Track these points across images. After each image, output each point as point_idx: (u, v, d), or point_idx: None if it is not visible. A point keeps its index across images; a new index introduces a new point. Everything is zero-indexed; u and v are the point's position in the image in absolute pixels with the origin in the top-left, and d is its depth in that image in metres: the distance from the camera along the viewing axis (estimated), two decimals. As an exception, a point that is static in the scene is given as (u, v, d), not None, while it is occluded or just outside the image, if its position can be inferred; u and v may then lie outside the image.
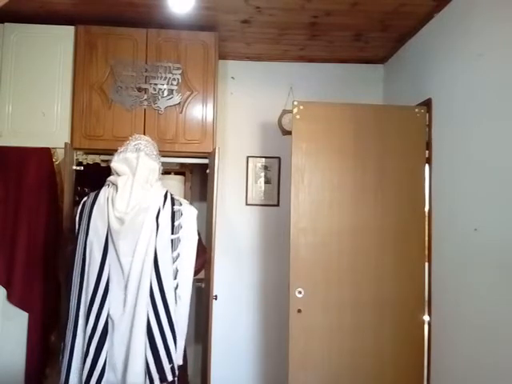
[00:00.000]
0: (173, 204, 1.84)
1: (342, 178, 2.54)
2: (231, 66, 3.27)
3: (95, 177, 2.28)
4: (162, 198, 1.83)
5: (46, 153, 2.49)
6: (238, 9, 2.50)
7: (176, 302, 1.78)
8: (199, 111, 2.65)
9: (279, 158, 3.23)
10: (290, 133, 2.73)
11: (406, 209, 2.54)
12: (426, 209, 2.53)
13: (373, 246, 2.52)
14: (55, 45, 2.58)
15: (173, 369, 1.74)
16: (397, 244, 2.53)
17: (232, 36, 2.88)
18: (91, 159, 2.61)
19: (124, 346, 1.69)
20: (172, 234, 1.80)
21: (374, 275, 2.51)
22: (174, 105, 2.63)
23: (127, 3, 2.46)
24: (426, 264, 2.50)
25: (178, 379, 1.78)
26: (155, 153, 1.93)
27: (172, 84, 2.62)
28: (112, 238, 1.73)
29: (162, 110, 2.61)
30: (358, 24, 2.67)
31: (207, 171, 2.63)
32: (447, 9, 2.36)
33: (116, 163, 1.86)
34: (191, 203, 1.98)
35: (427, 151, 2.53)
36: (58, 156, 2.49)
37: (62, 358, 1.75)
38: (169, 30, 2.64)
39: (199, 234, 1.91)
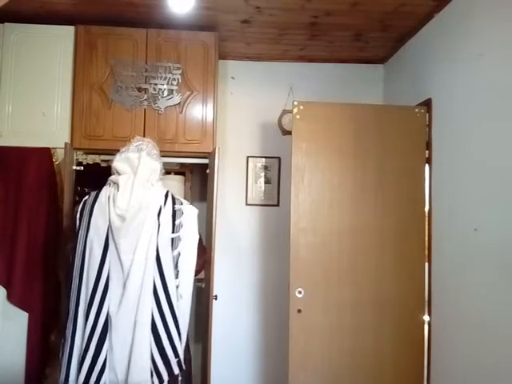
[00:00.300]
0: (174, 203, 1.85)
1: (342, 178, 2.55)
2: (231, 66, 3.27)
3: (95, 177, 2.28)
4: (163, 197, 1.84)
5: (45, 153, 2.49)
6: (237, 9, 2.50)
7: (178, 301, 1.78)
8: (199, 111, 2.65)
9: (279, 158, 3.23)
10: (289, 133, 2.73)
11: (406, 209, 2.54)
12: (426, 209, 2.53)
13: (373, 246, 2.52)
14: (55, 45, 2.58)
15: (179, 362, 1.75)
16: (397, 244, 2.53)
17: (232, 36, 2.88)
18: (91, 159, 2.61)
19: (125, 343, 1.69)
20: (173, 232, 1.81)
21: (374, 275, 2.51)
22: (174, 105, 2.63)
23: (127, 3, 2.46)
24: (426, 264, 2.50)
25: (183, 372, 1.80)
26: (156, 153, 1.95)
27: (172, 84, 2.62)
28: (113, 236, 1.74)
29: (162, 110, 2.61)
30: (357, 24, 2.67)
31: (207, 171, 2.63)
32: (447, 9, 2.36)
33: (117, 163, 1.87)
34: (191, 203, 1.98)
35: (427, 151, 2.53)
36: (58, 156, 2.49)
37: (62, 355, 1.75)
38: (169, 29, 2.64)
39: (200, 235, 1.92)
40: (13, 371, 2.37)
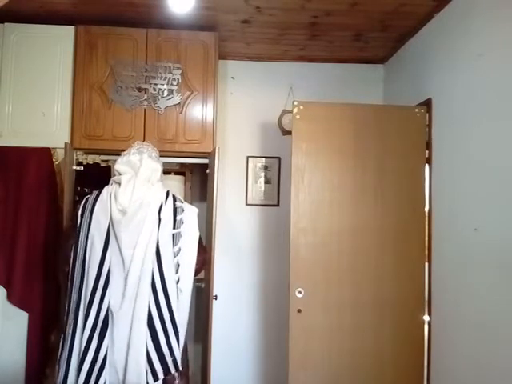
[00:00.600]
0: (174, 200, 1.89)
1: (342, 178, 2.54)
2: (231, 66, 3.27)
3: (95, 177, 2.29)
4: (164, 195, 1.88)
5: (45, 153, 2.49)
6: (238, 9, 2.50)
7: (177, 296, 1.80)
8: (199, 111, 2.65)
9: (279, 158, 3.23)
10: (289, 133, 2.73)
11: (406, 209, 2.54)
12: (426, 209, 2.53)
13: (373, 246, 2.52)
14: (55, 45, 2.58)
15: (175, 362, 1.75)
16: (397, 244, 2.53)
17: (232, 36, 2.87)
18: (91, 159, 2.61)
19: (125, 338, 1.70)
20: (174, 228, 1.83)
21: (374, 275, 2.51)
22: (174, 105, 2.63)
23: (127, 3, 2.46)
24: (426, 264, 2.50)
25: (180, 375, 1.79)
26: (157, 156, 2.01)
27: (172, 84, 2.62)
28: (114, 230, 1.76)
29: (162, 110, 2.61)
30: (357, 24, 2.67)
31: (207, 171, 2.63)
32: (447, 9, 2.36)
33: (119, 165, 1.92)
34: (191, 203, 2.00)
35: (427, 151, 2.53)
36: (58, 156, 2.49)
37: (62, 350, 1.76)
38: (169, 29, 2.64)
39: (199, 235, 1.93)
40: (13, 371, 2.37)
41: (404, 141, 2.56)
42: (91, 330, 1.70)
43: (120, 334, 1.70)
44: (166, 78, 2.61)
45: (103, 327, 1.70)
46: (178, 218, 1.85)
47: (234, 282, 3.18)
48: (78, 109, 2.56)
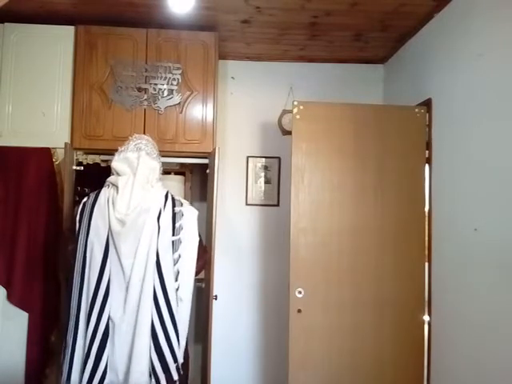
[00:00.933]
0: (174, 205, 1.84)
1: (342, 178, 2.54)
2: (231, 66, 3.27)
3: (95, 177, 2.28)
4: (163, 199, 1.83)
5: (45, 153, 2.49)
6: (238, 9, 2.50)
7: (177, 304, 1.78)
8: (199, 111, 2.65)
9: (279, 158, 3.23)
10: (290, 133, 2.73)
11: (406, 209, 2.54)
12: (426, 209, 2.53)
13: (373, 246, 2.52)
14: (55, 45, 2.58)
15: (178, 368, 1.75)
16: (397, 244, 2.53)
17: (232, 36, 2.88)
18: (91, 159, 2.61)
19: (126, 347, 1.69)
20: (173, 235, 1.80)
21: (374, 275, 2.51)
22: (174, 105, 2.63)
23: (127, 3, 2.46)
24: (426, 264, 2.50)
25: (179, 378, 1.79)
26: (156, 152, 1.94)
27: (172, 84, 2.62)
28: (113, 240, 1.73)
29: (162, 110, 2.61)
30: (357, 24, 2.67)
31: (207, 171, 2.63)
32: (447, 9, 2.36)
33: (116, 163, 1.86)
34: (191, 203, 1.98)
35: (427, 151, 2.53)
36: (58, 156, 2.49)
37: (64, 358, 1.75)
38: (169, 29, 2.64)
39: (200, 236, 1.91)
40: (13, 371, 2.37)
41: (404, 141, 2.56)
42: (91, 339, 1.68)
43: (121, 343, 1.69)
44: (165, 78, 2.61)
45: (104, 337, 1.69)
46: (177, 224, 1.81)
47: (234, 282, 3.18)
48: (78, 109, 2.56)
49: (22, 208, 2.42)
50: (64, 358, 1.75)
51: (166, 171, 2.71)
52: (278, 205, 3.23)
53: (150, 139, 1.98)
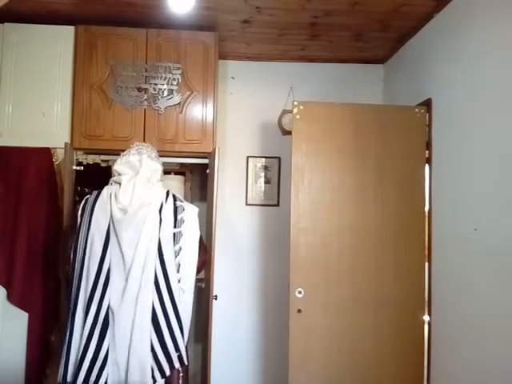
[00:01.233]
0: (175, 200, 1.90)
1: (342, 178, 2.54)
2: (231, 66, 3.27)
3: (95, 177, 2.29)
4: (164, 195, 1.88)
5: (45, 153, 2.49)
6: (237, 9, 2.50)
7: (180, 295, 1.80)
8: (199, 111, 2.65)
9: (279, 158, 3.23)
10: (290, 133, 2.73)
11: (406, 209, 2.54)
12: (426, 209, 2.53)
13: (373, 246, 2.52)
14: (55, 45, 2.57)
15: (180, 357, 1.76)
16: (397, 244, 2.53)
17: (232, 36, 2.88)
18: (91, 159, 2.61)
19: (127, 335, 1.70)
20: (174, 227, 1.84)
21: (374, 275, 2.51)
22: (174, 105, 2.63)
23: (127, 3, 2.46)
24: (426, 264, 2.50)
25: (184, 368, 1.81)
26: (156, 156, 2.00)
27: (172, 84, 2.62)
28: (114, 228, 1.76)
29: (162, 110, 2.61)
30: (357, 24, 2.67)
31: (207, 171, 2.63)
32: (447, 9, 2.36)
33: (119, 166, 1.91)
34: (191, 203, 2.00)
35: (427, 151, 2.53)
36: (58, 156, 2.49)
37: (61, 348, 1.76)
38: (169, 29, 2.64)
39: (200, 234, 1.94)
40: (13, 371, 2.37)
41: (404, 141, 2.56)
42: (91, 328, 1.70)
43: (121, 332, 1.70)
44: (166, 78, 2.61)
45: (104, 326, 1.70)
46: (178, 217, 1.85)
47: (234, 282, 3.18)
48: (77, 109, 2.56)
49: (22, 208, 2.42)
50: (62, 350, 1.76)
51: (166, 171, 2.70)
52: (278, 205, 3.23)
53: (150, 145, 2.04)
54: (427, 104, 2.54)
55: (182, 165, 2.98)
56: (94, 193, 1.89)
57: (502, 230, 1.85)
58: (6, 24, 2.54)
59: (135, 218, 1.77)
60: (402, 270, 2.51)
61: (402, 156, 2.56)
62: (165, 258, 1.77)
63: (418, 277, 2.51)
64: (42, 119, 2.53)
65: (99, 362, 1.68)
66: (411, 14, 2.51)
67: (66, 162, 2.39)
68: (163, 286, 1.75)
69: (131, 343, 1.69)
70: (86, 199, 1.88)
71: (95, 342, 1.69)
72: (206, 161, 2.69)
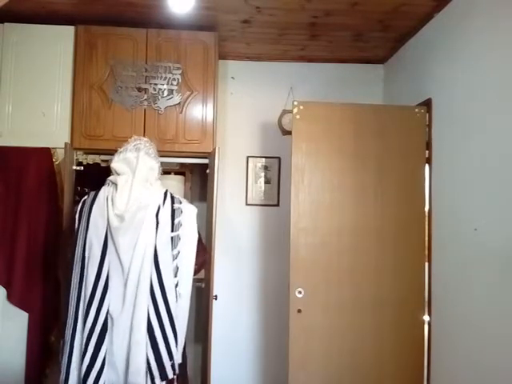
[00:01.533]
0: (173, 202, 1.85)
1: (342, 178, 2.54)
2: (231, 66, 3.27)
3: (95, 177, 2.28)
4: (162, 196, 1.85)
5: (45, 153, 2.49)
6: (237, 9, 2.50)
7: (176, 300, 1.78)
8: (199, 111, 2.65)
9: (279, 158, 3.23)
10: (290, 133, 2.73)
11: (406, 209, 2.54)
12: (426, 209, 2.53)
13: (373, 246, 2.52)
14: (55, 45, 2.58)
15: (173, 366, 1.74)
16: (397, 244, 2.53)
17: (232, 36, 2.88)
18: (91, 159, 2.61)
19: (125, 342, 1.69)
20: (172, 231, 1.81)
21: (374, 275, 2.51)
22: (174, 105, 2.63)
23: (127, 3, 2.46)
24: (426, 264, 2.50)
25: (177, 377, 1.79)
26: (154, 153, 1.95)
27: (172, 84, 2.62)
28: (111, 235, 1.74)
29: (162, 110, 2.61)
30: (357, 24, 2.67)
31: (207, 171, 2.63)
32: (447, 9, 2.36)
33: (116, 163, 1.88)
34: (191, 203, 1.98)
35: (427, 151, 2.53)
36: (58, 156, 2.49)
37: (62, 355, 1.75)
38: (169, 29, 2.64)
39: (199, 234, 1.92)
40: (13, 371, 2.37)
41: (404, 141, 2.56)
42: (89, 333, 1.68)
43: (120, 338, 1.69)
44: (166, 78, 2.61)
45: (102, 331, 1.69)
46: (176, 220, 1.82)
47: (234, 282, 3.18)
48: (77, 109, 2.56)
49: (22, 208, 2.42)
50: (63, 354, 1.75)
51: (166, 171, 2.71)
52: (278, 205, 3.23)
53: (149, 140, 2.00)
54: (427, 104, 2.54)
55: (182, 165, 2.98)
56: (91, 194, 1.86)
57: (502, 230, 1.85)
58: (5, 24, 2.54)
59: (132, 224, 1.74)
60: (401, 270, 2.51)
61: (402, 156, 2.56)
62: (160, 263, 1.74)
63: (417, 277, 2.51)
64: (42, 119, 2.53)
65: (96, 368, 1.67)
66: (411, 14, 2.51)
67: (65, 161, 2.39)
68: (158, 292, 1.73)
69: (129, 349, 1.68)
70: (83, 201, 1.85)
71: (92, 348, 1.68)
72: (205, 161, 2.68)
